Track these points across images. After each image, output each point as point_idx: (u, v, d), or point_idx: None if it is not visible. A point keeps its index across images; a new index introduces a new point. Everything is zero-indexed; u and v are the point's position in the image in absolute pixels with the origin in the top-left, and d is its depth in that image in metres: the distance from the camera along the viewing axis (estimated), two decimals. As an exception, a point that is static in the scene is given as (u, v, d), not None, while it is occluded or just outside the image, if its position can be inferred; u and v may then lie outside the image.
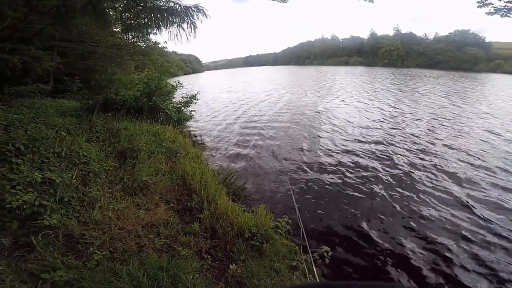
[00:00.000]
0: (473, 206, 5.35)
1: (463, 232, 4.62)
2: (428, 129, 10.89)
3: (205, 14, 6.73)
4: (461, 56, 57.01)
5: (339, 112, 14.67)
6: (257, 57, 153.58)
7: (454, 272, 3.77)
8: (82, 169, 3.73)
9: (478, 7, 6.01)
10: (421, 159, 7.74)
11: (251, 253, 3.26)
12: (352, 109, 15.56)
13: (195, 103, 10.31)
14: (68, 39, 9.21)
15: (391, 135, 10.17)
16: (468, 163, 7.41)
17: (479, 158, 7.70)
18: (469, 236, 4.50)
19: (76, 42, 9.75)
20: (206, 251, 3.18)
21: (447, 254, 4.08)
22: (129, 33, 8.53)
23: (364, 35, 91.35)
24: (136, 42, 11.35)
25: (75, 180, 3.41)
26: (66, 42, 9.39)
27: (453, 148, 8.64)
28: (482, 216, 5.01)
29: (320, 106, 16.77)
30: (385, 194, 5.85)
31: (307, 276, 3.14)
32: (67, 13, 5.89)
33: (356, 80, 34.49)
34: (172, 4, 6.85)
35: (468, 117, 12.94)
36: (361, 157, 8.01)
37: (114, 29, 10.78)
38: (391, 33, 79.55)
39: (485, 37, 61.44)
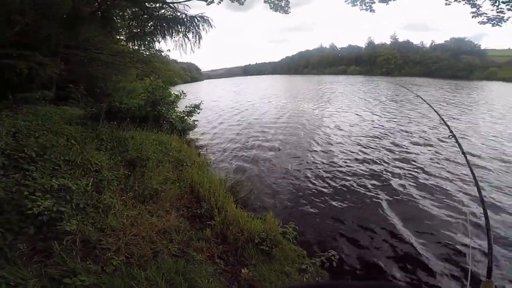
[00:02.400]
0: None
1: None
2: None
3: (210, 24, 6.93)
4: (456, 64, 57.38)
5: (320, 119, 15.54)
6: (256, 66, 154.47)
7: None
8: (94, 177, 3.82)
9: (472, 17, 6.27)
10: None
11: (261, 257, 3.36)
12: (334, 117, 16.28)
13: (198, 113, 10.44)
14: (72, 45, 9.32)
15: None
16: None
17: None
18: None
19: (80, 49, 9.86)
20: (219, 256, 3.27)
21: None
22: (134, 41, 8.67)
23: (362, 43, 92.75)
24: (139, 50, 11.51)
25: (89, 188, 3.50)
26: (70, 49, 9.49)
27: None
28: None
29: (306, 113, 18.00)
30: (384, 199, 6.03)
31: (316, 279, 3.27)
32: (76, 20, 6.03)
33: (347, 89, 35.40)
34: (178, 14, 7.03)
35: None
36: (354, 163, 8.37)
37: (118, 37, 10.94)
38: (388, 41, 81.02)
39: (480, 45, 62.48)
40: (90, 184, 3.59)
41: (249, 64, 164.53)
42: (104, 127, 6.33)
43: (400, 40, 78.31)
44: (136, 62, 11.84)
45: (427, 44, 73.68)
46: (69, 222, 2.76)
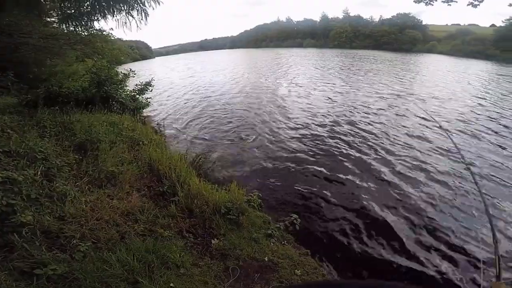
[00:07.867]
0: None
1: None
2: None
3: (157, 1, 6.43)
4: (401, 38, 61.82)
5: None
6: (214, 41, 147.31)
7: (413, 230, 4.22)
8: (42, 165, 3.52)
9: None
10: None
11: (229, 226, 3.50)
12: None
13: (151, 90, 9.95)
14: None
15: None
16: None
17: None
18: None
19: (2, 35, 8.58)
20: (187, 230, 3.34)
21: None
22: (68, 23, 7.82)
23: (317, 17, 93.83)
24: (76, 31, 10.35)
25: (38, 177, 3.25)
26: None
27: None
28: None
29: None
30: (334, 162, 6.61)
31: (282, 242, 3.50)
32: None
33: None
34: (120, -9, 6.35)
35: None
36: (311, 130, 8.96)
37: (48, 19, 9.74)
38: (340, 16, 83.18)
39: (422, 20, 67.27)
40: (39, 173, 3.32)
41: (206, 39, 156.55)
42: (44, 113, 5.83)
43: (352, 14, 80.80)
44: (73, 44, 10.67)
45: (376, 19, 77.18)
46: (24, 214, 2.58)
